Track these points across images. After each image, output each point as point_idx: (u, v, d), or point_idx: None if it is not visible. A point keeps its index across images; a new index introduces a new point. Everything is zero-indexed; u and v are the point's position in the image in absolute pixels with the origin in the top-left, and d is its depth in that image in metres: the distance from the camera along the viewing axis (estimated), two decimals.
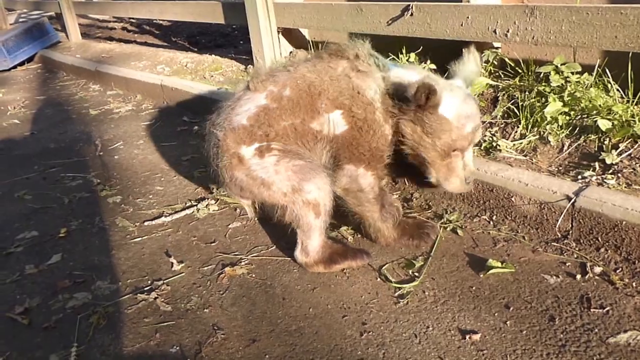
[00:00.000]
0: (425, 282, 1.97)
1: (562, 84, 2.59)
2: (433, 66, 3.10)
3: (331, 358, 1.68)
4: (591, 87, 2.53)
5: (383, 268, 2.07)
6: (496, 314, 1.78)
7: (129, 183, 3.06)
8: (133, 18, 8.56)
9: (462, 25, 2.92)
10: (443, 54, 2.73)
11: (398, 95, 2.02)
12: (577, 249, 2.05)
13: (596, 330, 1.66)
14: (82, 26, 8.05)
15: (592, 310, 1.75)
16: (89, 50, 6.56)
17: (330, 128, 2.07)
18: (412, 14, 3.13)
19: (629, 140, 2.25)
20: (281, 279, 2.08)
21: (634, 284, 1.83)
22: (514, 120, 2.66)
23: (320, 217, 2.05)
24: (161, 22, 8.12)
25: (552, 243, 2.10)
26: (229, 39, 6.67)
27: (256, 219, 2.52)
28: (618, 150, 2.22)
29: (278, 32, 4.33)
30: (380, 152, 2.09)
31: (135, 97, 4.92)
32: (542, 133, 2.49)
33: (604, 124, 2.29)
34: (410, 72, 2.10)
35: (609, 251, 1.99)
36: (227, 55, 5.19)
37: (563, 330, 1.68)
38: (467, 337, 1.70)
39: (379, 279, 2.02)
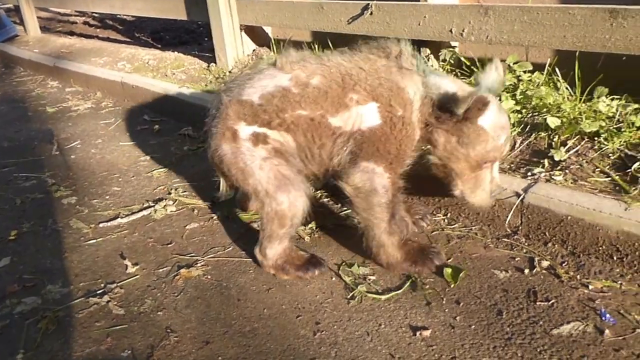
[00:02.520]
0: (379, 280, 1.99)
1: (514, 82, 2.64)
2: None
3: (284, 358, 1.69)
4: (542, 85, 2.58)
5: (339, 269, 2.09)
6: (447, 310, 1.82)
7: (85, 183, 3.01)
8: (95, 12, 8.41)
9: (419, 24, 2.95)
10: None
11: (441, 104, 1.92)
12: (526, 244, 2.10)
13: (541, 322, 1.71)
14: (41, 20, 7.87)
15: (538, 303, 1.79)
16: (48, 45, 6.42)
17: (356, 122, 1.95)
18: (371, 13, 3.16)
19: (577, 137, 2.31)
20: (237, 280, 2.08)
21: (578, 276, 1.89)
22: None
23: (285, 229, 2.02)
24: (125, 17, 7.99)
25: (503, 239, 2.14)
26: (194, 35, 6.61)
27: (214, 219, 2.52)
28: (566, 147, 2.28)
29: (241, 29, 4.31)
30: (405, 154, 1.99)
31: (95, 95, 4.84)
32: None
33: (553, 122, 2.34)
34: (446, 81, 2.00)
35: (556, 245, 2.04)
36: (190, 52, 5.14)
37: (510, 323, 1.72)
38: (418, 333, 1.72)
39: (333, 279, 2.03)
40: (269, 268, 2.09)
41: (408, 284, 1.95)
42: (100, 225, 2.55)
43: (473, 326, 1.74)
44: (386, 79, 1.94)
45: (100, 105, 4.57)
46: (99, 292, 2.07)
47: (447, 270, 1.96)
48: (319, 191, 2.59)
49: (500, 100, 1.98)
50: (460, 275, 1.94)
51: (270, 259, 2.07)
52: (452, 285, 1.92)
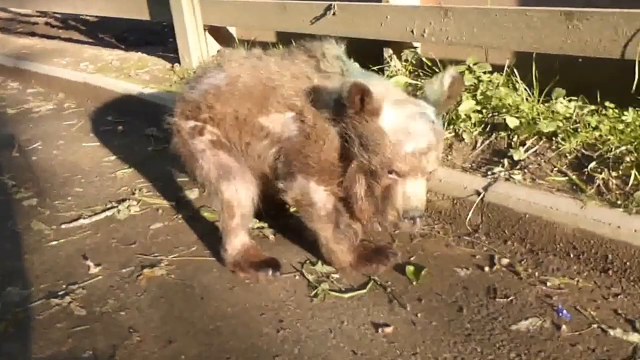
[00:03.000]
0: (342, 279, 2.01)
1: (475, 83, 2.69)
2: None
3: (247, 356, 1.69)
4: (501, 86, 2.64)
5: (302, 267, 2.11)
6: (409, 307, 1.84)
7: (46, 185, 2.96)
8: (57, 13, 8.25)
9: (382, 25, 2.99)
10: (365, 54, 2.79)
11: (339, 99, 1.80)
12: (486, 242, 2.14)
13: (500, 318, 1.75)
14: (1, 20, 7.69)
15: (497, 300, 1.83)
16: (7, 46, 6.27)
17: (283, 129, 1.92)
18: (334, 14, 3.18)
19: (535, 137, 2.36)
20: (201, 279, 2.08)
21: (536, 273, 1.94)
22: None
23: (235, 220, 2.05)
24: (88, 18, 7.85)
25: (464, 237, 2.18)
26: (159, 36, 6.52)
27: (179, 219, 2.50)
28: (525, 147, 2.34)
29: (205, 30, 4.29)
30: (331, 165, 1.87)
31: (57, 96, 4.75)
32: (457, 130, 2.58)
33: (512, 122, 2.40)
34: (371, 82, 1.76)
35: (515, 243, 2.10)
36: (154, 53, 5.09)
37: (470, 319, 1.76)
38: (380, 330, 1.75)
39: (297, 277, 2.05)
40: (229, 265, 2.10)
41: (371, 283, 1.97)
42: (62, 226, 2.51)
43: (434, 323, 1.77)
44: (302, 87, 1.90)
45: (63, 106, 4.49)
46: (60, 293, 2.04)
47: (409, 269, 1.99)
48: None
49: (459, 102, 1.88)
50: (422, 273, 1.97)
51: (230, 254, 2.09)
52: (415, 283, 1.95)
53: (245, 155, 2.05)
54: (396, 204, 1.74)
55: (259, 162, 2.05)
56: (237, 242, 2.08)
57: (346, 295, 1.91)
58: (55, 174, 3.11)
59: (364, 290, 1.93)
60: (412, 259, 2.09)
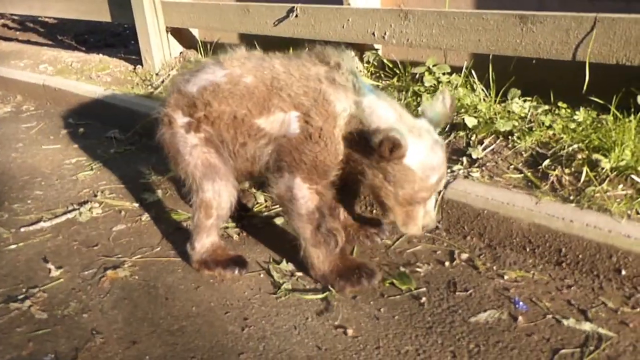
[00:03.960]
0: (306, 277, 2.04)
1: (434, 84, 2.76)
2: None
3: (212, 354, 1.70)
4: (460, 87, 2.71)
5: (268, 265, 2.12)
6: (372, 303, 1.88)
7: (4, 188, 2.90)
8: (15, 15, 8.07)
9: (343, 27, 3.03)
10: None
11: (361, 139, 1.83)
12: (446, 237, 2.20)
13: (460, 311, 1.80)
14: None
15: (457, 293, 1.89)
16: None
17: (282, 128, 1.92)
18: (297, 16, 3.21)
19: (492, 136, 2.44)
20: (165, 280, 2.07)
21: (494, 267, 2.00)
22: None
23: (210, 220, 2.05)
24: (47, 19, 7.71)
25: (426, 234, 2.23)
26: (120, 38, 6.46)
27: (142, 220, 2.49)
28: (483, 146, 2.41)
29: (167, 31, 4.27)
30: (325, 167, 1.90)
31: (15, 98, 4.66)
32: None
33: (470, 121, 2.47)
34: (383, 105, 1.87)
35: (474, 239, 2.16)
36: (116, 55, 5.04)
37: (431, 313, 1.80)
38: (344, 325, 1.78)
39: (262, 275, 2.06)
40: (195, 263, 2.11)
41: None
42: (22, 229, 2.47)
43: (396, 317, 1.81)
44: (313, 88, 1.89)
45: (21, 108, 4.40)
46: (20, 297, 2.01)
47: (396, 282, 1.97)
48: (248, 189, 2.61)
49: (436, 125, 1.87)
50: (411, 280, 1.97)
51: (197, 252, 2.09)
52: (413, 289, 1.93)
53: (236, 156, 2.03)
54: (419, 223, 1.90)
55: (248, 164, 2.05)
56: (207, 241, 2.09)
57: (308, 297, 1.93)
58: (14, 177, 3.06)
59: (323, 295, 1.93)
60: (376, 259, 2.12)
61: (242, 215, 2.43)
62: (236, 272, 2.06)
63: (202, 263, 2.10)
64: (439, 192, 2.20)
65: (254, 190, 2.62)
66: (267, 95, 1.93)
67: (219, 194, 2.02)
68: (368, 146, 1.78)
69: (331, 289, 1.94)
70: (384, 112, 1.85)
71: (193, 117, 2.02)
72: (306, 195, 1.93)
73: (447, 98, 1.91)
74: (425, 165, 1.79)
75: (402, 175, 1.80)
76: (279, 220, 2.40)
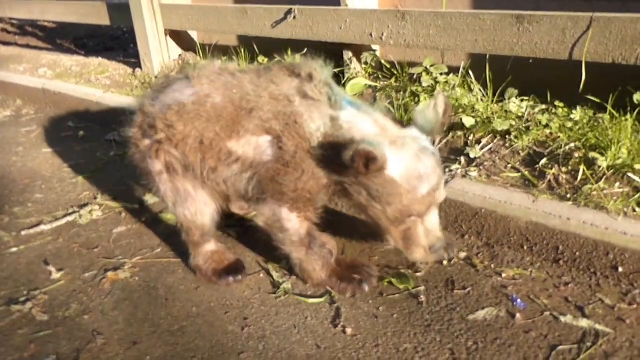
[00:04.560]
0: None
1: (432, 84, 2.77)
2: None
3: (213, 354, 1.71)
4: (457, 87, 2.72)
5: (267, 265, 2.13)
6: (370, 302, 1.89)
7: (5, 192, 2.92)
8: (14, 19, 8.09)
9: (341, 28, 3.04)
10: (325, 56, 2.84)
11: (334, 155, 1.69)
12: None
13: (458, 309, 1.81)
14: None
15: (455, 291, 1.90)
16: None
17: (257, 153, 1.79)
18: (295, 17, 3.23)
19: (490, 135, 2.45)
20: (165, 280, 2.09)
21: (492, 265, 2.01)
22: None
23: (195, 237, 2.04)
24: (46, 23, 7.73)
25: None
26: (119, 42, 6.48)
27: (142, 222, 2.51)
28: (481, 145, 2.42)
29: (166, 34, 4.29)
30: (308, 194, 1.79)
31: (15, 103, 4.68)
32: None
33: (468, 121, 2.48)
34: (365, 119, 1.74)
35: (472, 237, 2.17)
36: (115, 58, 5.05)
37: (430, 311, 1.82)
38: (343, 324, 1.79)
39: (261, 275, 2.08)
40: (195, 271, 2.10)
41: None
42: (22, 233, 2.48)
43: (395, 315, 1.82)
44: (283, 111, 1.75)
45: (21, 113, 4.42)
46: (21, 299, 2.02)
47: (395, 281, 1.97)
48: None
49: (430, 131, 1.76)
50: (409, 279, 1.97)
51: (194, 259, 2.09)
52: (411, 288, 1.94)
53: (207, 180, 1.91)
54: (421, 242, 1.78)
55: (223, 188, 1.93)
56: (199, 251, 2.07)
57: (309, 301, 1.93)
58: (14, 180, 3.07)
59: (322, 299, 1.93)
60: (375, 258, 2.14)
61: (243, 218, 2.43)
62: (230, 280, 2.02)
63: (198, 271, 2.08)
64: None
65: None
66: (236, 117, 1.79)
67: (194, 216, 1.98)
68: (342, 165, 1.65)
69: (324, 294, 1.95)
70: (364, 126, 1.72)
71: (152, 139, 1.91)
72: (296, 224, 1.85)
73: (441, 103, 1.75)
74: (409, 174, 1.66)
75: (386, 189, 1.67)
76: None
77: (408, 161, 1.66)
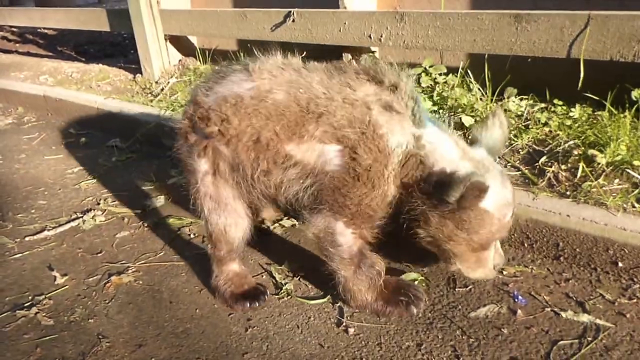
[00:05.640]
0: (308, 277, 2.06)
1: (431, 84, 2.79)
2: None
3: (217, 355, 1.72)
4: (456, 87, 2.74)
5: (270, 267, 2.15)
6: None
7: (8, 199, 2.94)
8: (14, 27, 8.13)
9: (340, 30, 3.06)
10: (324, 59, 2.85)
11: (431, 185, 1.62)
12: None
13: (460, 307, 1.82)
14: None
15: (457, 289, 1.91)
16: None
17: (319, 160, 1.66)
18: (293, 20, 3.24)
19: None
20: (169, 284, 2.10)
21: None
22: None
23: (221, 252, 1.93)
24: (46, 31, 7.77)
25: None
26: (119, 48, 6.51)
27: (145, 226, 2.52)
28: None
29: (165, 39, 4.31)
30: (371, 211, 1.69)
31: (16, 110, 4.71)
32: None
33: (467, 120, 2.50)
34: (446, 139, 1.66)
35: None
36: (115, 64, 5.08)
37: (431, 309, 1.83)
38: (346, 323, 1.80)
39: (264, 276, 2.09)
40: (213, 289, 2.00)
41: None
42: (26, 239, 2.50)
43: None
44: (360, 118, 1.61)
45: (23, 120, 4.45)
46: (26, 304, 2.04)
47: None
48: None
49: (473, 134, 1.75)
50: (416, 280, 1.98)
51: (216, 286, 1.98)
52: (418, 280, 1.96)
53: (255, 183, 1.79)
54: (490, 264, 1.78)
55: (271, 191, 1.81)
56: (222, 270, 1.97)
57: (311, 302, 1.94)
58: (17, 187, 3.09)
59: (324, 300, 1.93)
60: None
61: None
62: (247, 306, 1.90)
63: (217, 291, 1.98)
64: None
65: None
66: (301, 119, 1.65)
67: (226, 229, 1.87)
68: (436, 195, 1.59)
69: (327, 294, 1.96)
70: (448, 149, 1.64)
71: (204, 132, 1.77)
72: (350, 240, 1.73)
73: (503, 120, 1.72)
74: (501, 204, 1.64)
75: (479, 220, 1.62)
76: (280, 225, 2.43)
77: (497, 190, 1.63)
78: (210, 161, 1.80)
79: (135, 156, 3.42)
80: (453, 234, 1.66)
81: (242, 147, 1.72)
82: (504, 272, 1.96)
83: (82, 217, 2.64)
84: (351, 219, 1.69)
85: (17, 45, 7.36)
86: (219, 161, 1.79)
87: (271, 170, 1.73)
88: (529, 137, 2.39)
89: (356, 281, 1.78)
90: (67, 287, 2.13)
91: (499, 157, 2.28)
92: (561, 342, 1.62)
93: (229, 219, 1.86)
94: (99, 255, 2.34)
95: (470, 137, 1.81)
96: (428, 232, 1.71)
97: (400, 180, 1.68)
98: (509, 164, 2.31)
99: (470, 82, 2.73)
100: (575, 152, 2.20)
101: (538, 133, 2.41)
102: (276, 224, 2.43)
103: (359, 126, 1.60)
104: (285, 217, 2.44)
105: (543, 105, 2.58)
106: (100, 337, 1.84)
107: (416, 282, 1.94)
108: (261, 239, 2.26)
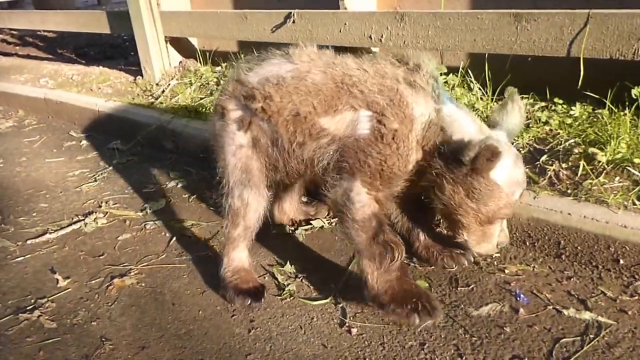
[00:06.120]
0: (310, 277, 2.06)
1: None
2: None
3: (220, 356, 1.73)
4: (457, 87, 2.74)
5: (272, 268, 2.15)
6: None
7: (10, 202, 2.94)
8: (14, 29, 8.14)
9: (340, 31, 3.06)
10: None
11: (443, 149, 1.75)
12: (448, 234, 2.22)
13: (462, 306, 1.83)
14: None
15: (459, 289, 1.91)
16: None
17: (348, 128, 1.79)
18: (294, 21, 3.25)
19: None
20: (171, 286, 2.10)
21: (495, 262, 2.02)
22: None
23: (237, 230, 1.98)
24: (46, 33, 7.78)
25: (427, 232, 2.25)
26: (120, 50, 6.52)
27: (147, 229, 2.52)
28: None
29: (166, 41, 4.31)
30: (391, 173, 1.77)
31: (17, 113, 4.71)
32: None
33: None
34: (463, 115, 1.79)
35: None
36: (116, 66, 5.09)
37: None
38: (349, 323, 1.80)
39: (267, 278, 2.09)
40: (220, 280, 2.03)
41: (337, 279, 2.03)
42: (28, 242, 2.51)
43: None
44: (390, 87, 1.76)
45: (23, 123, 4.45)
46: (28, 308, 2.04)
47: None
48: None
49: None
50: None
51: (223, 267, 2.02)
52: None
53: (289, 157, 1.91)
54: (494, 240, 1.87)
55: (302, 166, 1.93)
56: (232, 257, 2.02)
57: (314, 303, 1.94)
58: (19, 190, 3.10)
59: (327, 300, 1.93)
60: None
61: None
62: (247, 302, 1.93)
63: (222, 282, 2.01)
64: None
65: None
66: (336, 93, 1.80)
67: (248, 203, 1.95)
68: (452, 158, 1.71)
69: (328, 295, 1.96)
70: (465, 123, 1.77)
71: (249, 107, 1.91)
72: (363, 200, 1.77)
73: (521, 105, 1.83)
74: (511, 180, 1.74)
75: (488, 191, 1.73)
76: (283, 227, 2.43)
77: (510, 167, 1.74)
78: (251, 135, 1.94)
79: (137, 159, 3.42)
80: (463, 202, 1.76)
81: (282, 122, 1.86)
82: (506, 271, 1.96)
83: (83, 219, 2.65)
84: (369, 179, 1.77)
85: (17, 48, 7.36)
86: (259, 136, 1.93)
87: (305, 143, 1.86)
88: (529, 136, 2.39)
89: (370, 255, 1.76)
90: (69, 289, 2.13)
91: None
92: (563, 339, 1.62)
93: (253, 190, 1.96)
94: (101, 257, 2.34)
95: (489, 120, 1.91)
96: (442, 199, 1.81)
97: (422, 148, 1.80)
98: None
99: (471, 81, 2.74)
100: (576, 151, 2.21)
101: (539, 132, 2.41)
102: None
103: (388, 94, 1.75)
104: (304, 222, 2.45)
105: (543, 104, 2.59)
106: (103, 339, 1.85)
107: (417, 282, 1.95)
108: (262, 239, 2.27)
